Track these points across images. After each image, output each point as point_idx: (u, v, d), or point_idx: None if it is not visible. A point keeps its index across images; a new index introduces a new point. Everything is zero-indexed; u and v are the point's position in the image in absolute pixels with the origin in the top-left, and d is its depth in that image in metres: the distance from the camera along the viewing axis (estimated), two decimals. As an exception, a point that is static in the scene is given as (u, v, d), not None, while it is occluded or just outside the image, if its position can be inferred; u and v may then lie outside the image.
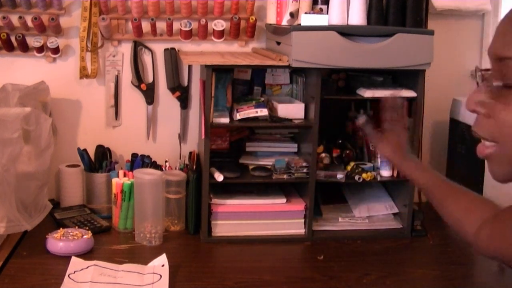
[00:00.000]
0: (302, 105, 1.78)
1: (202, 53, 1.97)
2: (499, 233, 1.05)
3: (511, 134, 0.82)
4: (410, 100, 1.77)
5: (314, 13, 1.74)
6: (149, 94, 2.01)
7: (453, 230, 1.23)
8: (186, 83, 2.02)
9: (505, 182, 0.86)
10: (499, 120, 0.83)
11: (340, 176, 1.79)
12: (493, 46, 0.84)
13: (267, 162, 1.81)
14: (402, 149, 1.41)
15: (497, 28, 0.85)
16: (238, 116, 1.72)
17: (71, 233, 1.64)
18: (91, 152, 1.94)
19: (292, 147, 1.87)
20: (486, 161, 0.90)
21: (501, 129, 0.84)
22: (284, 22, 1.81)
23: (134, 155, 1.91)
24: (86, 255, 1.59)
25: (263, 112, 1.73)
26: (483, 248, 1.11)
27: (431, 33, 1.71)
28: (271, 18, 1.90)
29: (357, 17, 1.76)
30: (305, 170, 1.75)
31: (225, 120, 1.72)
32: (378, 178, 1.81)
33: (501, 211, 1.10)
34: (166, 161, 1.89)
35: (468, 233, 1.16)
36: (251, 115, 1.73)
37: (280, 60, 1.68)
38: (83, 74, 1.92)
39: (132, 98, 2.01)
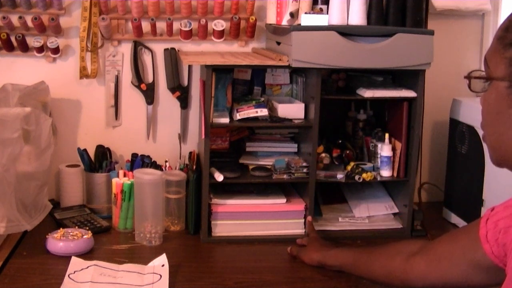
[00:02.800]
0: (302, 105, 1.78)
1: (202, 53, 1.97)
2: (437, 262, 1.16)
3: (485, 124, 0.96)
4: (410, 100, 1.77)
5: (314, 13, 1.74)
6: (149, 94, 2.01)
7: (386, 282, 1.35)
8: (186, 83, 2.02)
9: (499, 166, 0.99)
10: (481, 111, 0.96)
11: (340, 176, 1.79)
12: None
13: (267, 162, 1.81)
14: (321, 244, 1.61)
15: None
16: (238, 116, 1.72)
17: (71, 233, 1.64)
18: (91, 152, 1.94)
19: (292, 147, 1.87)
20: None
21: (482, 119, 0.97)
22: (284, 22, 1.81)
23: (134, 155, 1.91)
24: (86, 255, 1.59)
25: (263, 112, 1.73)
26: (420, 277, 1.23)
27: (431, 33, 1.71)
28: (271, 18, 1.90)
29: (357, 17, 1.76)
30: (305, 170, 1.75)
31: (225, 120, 1.72)
32: (378, 178, 1.81)
33: (431, 243, 1.22)
34: (166, 161, 1.89)
35: (399, 269, 1.29)
36: (251, 115, 1.73)
37: (280, 60, 1.68)
38: (83, 74, 1.92)
39: (132, 98, 2.01)
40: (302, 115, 1.77)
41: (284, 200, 1.79)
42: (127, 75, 2.00)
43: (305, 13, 1.72)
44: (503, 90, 0.88)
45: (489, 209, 1.09)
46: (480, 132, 1.00)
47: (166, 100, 2.03)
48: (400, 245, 1.36)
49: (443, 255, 1.18)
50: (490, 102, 0.92)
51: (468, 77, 0.98)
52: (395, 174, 1.82)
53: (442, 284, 1.19)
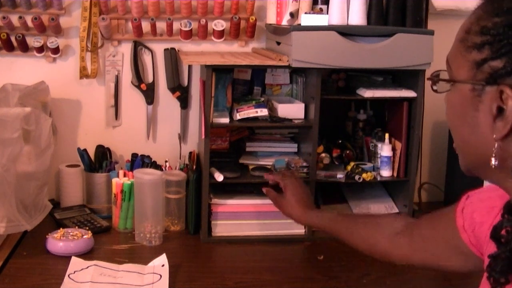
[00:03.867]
0: (302, 105, 1.78)
1: (202, 53, 1.97)
2: (420, 244, 1.15)
3: (451, 126, 0.92)
4: (410, 100, 1.77)
5: (314, 13, 1.74)
6: (149, 94, 2.01)
7: (366, 253, 1.32)
8: (186, 83, 2.02)
9: (468, 173, 0.95)
10: (446, 112, 0.93)
11: (340, 176, 1.79)
12: None
13: (267, 162, 1.81)
14: (304, 201, 1.53)
15: None
16: (238, 116, 1.72)
17: (71, 233, 1.64)
18: (91, 152, 1.94)
19: (292, 147, 1.87)
20: None
21: (448, 120, 0.93)
22: (284, 22, 1.81)
23: (134, 155, 1.91)
24: (86, 255, 1.59)
25: (263, 112, 1.73)
26: (402, 257, 1.23)
27: (431, 33, 1.71)
28: (271, 18, 1.90)
29: (357, 17, 1.76)
30: (305, 170, 1.75)
31: (225, 120, 1.72)
32: (378, 178, 1.82)
33: (414, 224, 1.22)
34: (166, 161, 1.89)
35: (381, 246, 1.28)
36: (251, 115, 1.73)
37: (280, 60, 1.68)
38: (83, 74, 1.92)
39: (132, 98, 2.01)
40: (302, 115, 1.77)
41: (284, 200, 1.79)
42: (127, 75, 2.00)
43: (305, 13, 1.73)
44: (467, 93, 0.86)
45: (464, 196, 1.09)
46: None
47: (166, 100, 2.03)
48: (384, 221, 1.33)
49: (426, 238, 1.17)
50: (455, 105, 0.90)
51: (431, 79, 0.94)
52: (395, 174, 1.82)
53: (424, 265, 1.20)
